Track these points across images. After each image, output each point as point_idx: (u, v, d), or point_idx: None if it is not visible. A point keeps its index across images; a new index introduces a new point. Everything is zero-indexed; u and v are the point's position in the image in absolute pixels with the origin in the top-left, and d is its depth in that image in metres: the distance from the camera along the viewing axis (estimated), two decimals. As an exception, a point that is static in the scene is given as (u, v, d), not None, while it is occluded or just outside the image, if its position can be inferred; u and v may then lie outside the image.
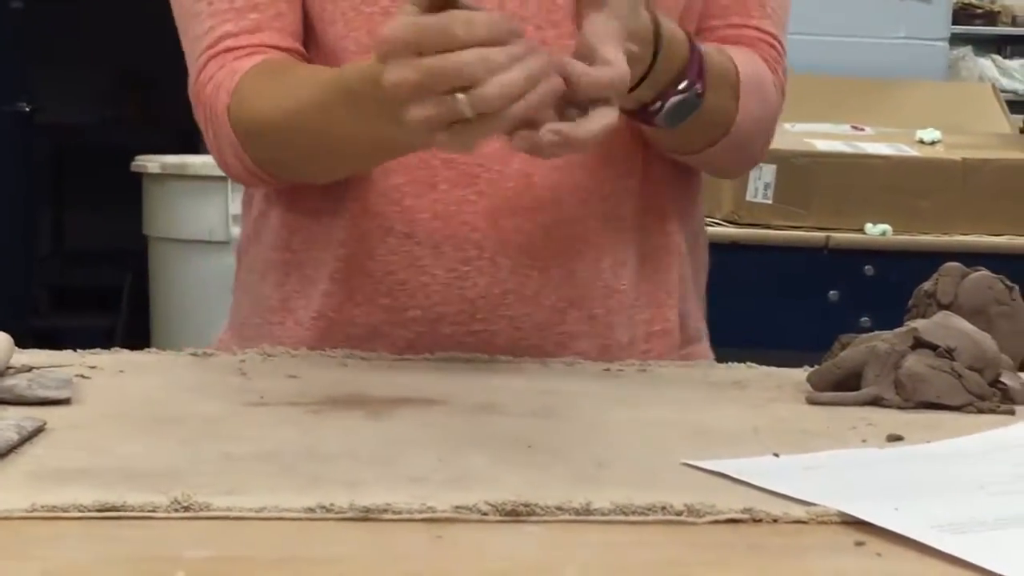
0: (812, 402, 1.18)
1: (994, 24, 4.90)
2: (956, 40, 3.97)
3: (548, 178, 1.31)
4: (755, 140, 1.39)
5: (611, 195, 1.34)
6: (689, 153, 1.36)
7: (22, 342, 1.23)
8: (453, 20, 0.97)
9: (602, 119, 1.03)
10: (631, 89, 1.17)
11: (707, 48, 1.28)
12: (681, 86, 1.24)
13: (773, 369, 1.32)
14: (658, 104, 1.24)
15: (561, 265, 1.32)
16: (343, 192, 1.33)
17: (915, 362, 1.16)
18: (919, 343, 1.18)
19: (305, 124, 1.22)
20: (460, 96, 0.96)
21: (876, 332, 1.22)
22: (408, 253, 1.32)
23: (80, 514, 0.81)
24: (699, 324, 1.48)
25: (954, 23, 3.66)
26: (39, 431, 0.99)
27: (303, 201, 1.37)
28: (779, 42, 1.41)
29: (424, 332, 1.32)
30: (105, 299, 6.03)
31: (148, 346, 1.38)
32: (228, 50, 1.31)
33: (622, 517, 0.84)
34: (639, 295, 1.37)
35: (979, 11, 4.81)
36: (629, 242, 1.36)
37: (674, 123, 1.25)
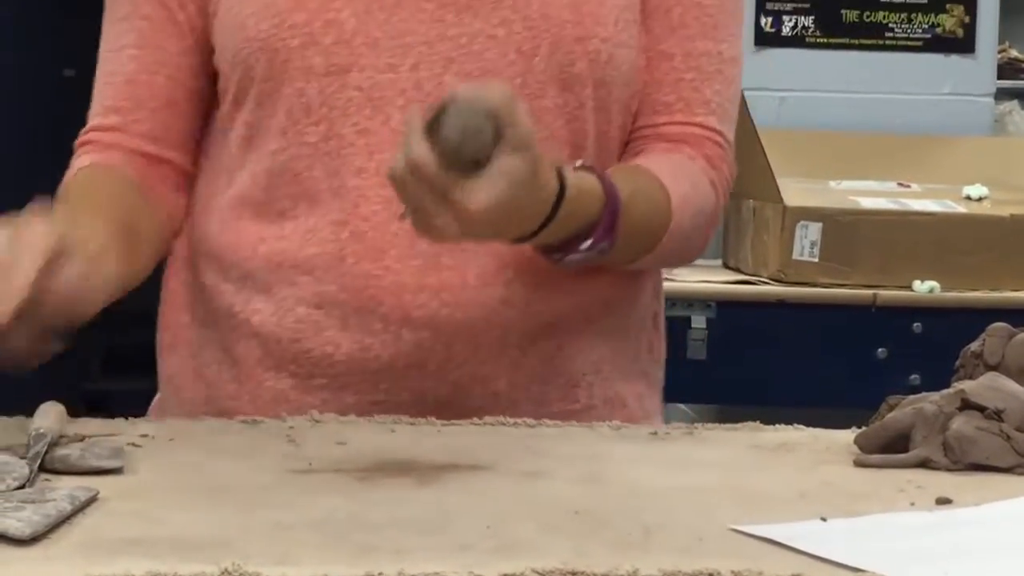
0: (860, 464, 1.17)
1: (1040, 78, 4.89)
2: (1002, 95, 3.95)
3: (456, 260, 1.33)
4: (687, 249, 1.42)
5: (519, 283, 1.35)
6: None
7: (74, 407, 1.25)
8: None
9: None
10: (524, 240, 1.23)
11: (631, 184, 1.30)
12: (583, 246, 1.27)
13: (820, 431, 1.32)
14: (559, 254, 1.28)
15: (465, 340, 1.33)
16: None
17: (963, 424, 1.16)
18: (967, 404, 1.17)
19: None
20: None
21: (923, 394, 1.21)
22: (316, 323, 1.34)
23: (132, 585, 0.82)
24: (638, 403, 1.44)
25: (1000, 78, 3.65)
26: (92, 501, 1.00)
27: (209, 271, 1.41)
28: (724, 138, 1.42)
29: (329, 399, 1.33)
30: (156, 360, 6.05)
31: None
32: (88, 142, 1.42)
33: (670, 584, 0.84)
34: (548, 375, 1.37)
35: (1025, 65, 4.80)
36: (538, 324, 1.36)
37: (576, 267, 1.30)
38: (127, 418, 1.31)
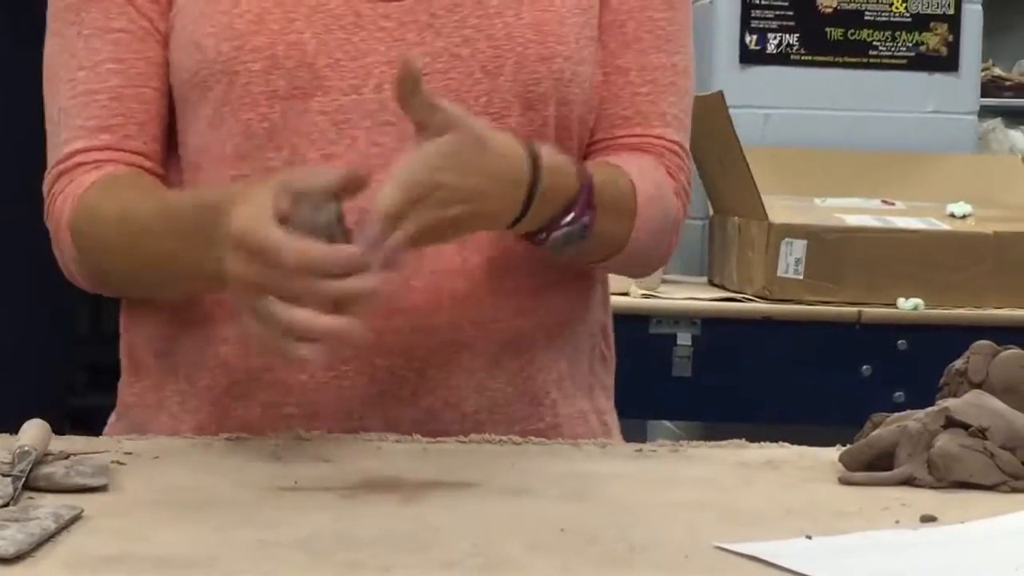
0: (845, 482, 1.18)
1: (1023, 95, 4.91)
2: (985, 112, 3.97)
3: (427, 283, 1.32)
4: (654, 250, 1.42)
5: (488, 302, 1.34)
6: (584, 265, 1.38)
7: (60, 423, 1.24)
8: (288, 250, 1.08)
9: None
10: (509, 226, 1.24)
11: (602, 174, 1.31)
12: (565, 220, 1.28)
13: (806, 449, 1.32)
14: (543, 234, 1.28)
15: (437, 367, 1.32)
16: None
17: (948, 441, 1.16)
18: (951, 422, 1.18)
19: (139, 243, 1.28)
20: (277, 311, 1.09)
21: (908, 411, 1.22)
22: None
23: (117, 603, 0.82)
24: (598, 418, 1.44)
25: (983, 95, 3.66)
26: (76, 519, 0.99)
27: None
28: (682, 148, 1.43)
29: (301, 428, 1.31)
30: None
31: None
32: (78, 165, 1.35)
33: (655, 602, 0.84)
34: (514, 394, 1.37)
35: (1008, 83, 4.82)
36: (504, 343, 1.36)
37: (561, 251, 1.30)
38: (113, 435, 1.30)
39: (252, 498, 1.09)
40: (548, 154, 1.25)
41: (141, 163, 1.36)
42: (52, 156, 1.38)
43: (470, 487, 1.13)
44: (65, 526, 0.97)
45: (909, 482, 1.16)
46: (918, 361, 2.69)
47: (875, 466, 1.19)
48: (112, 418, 1.44)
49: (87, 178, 1.34)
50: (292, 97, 1.31)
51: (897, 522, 1.04)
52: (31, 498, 1.06)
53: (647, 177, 1.38)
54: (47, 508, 0.99)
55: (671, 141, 1.42)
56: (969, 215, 2.92)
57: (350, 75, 1.31)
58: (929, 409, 1.20)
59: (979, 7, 3.42)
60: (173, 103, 1.37)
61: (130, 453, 1.23)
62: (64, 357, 5.55)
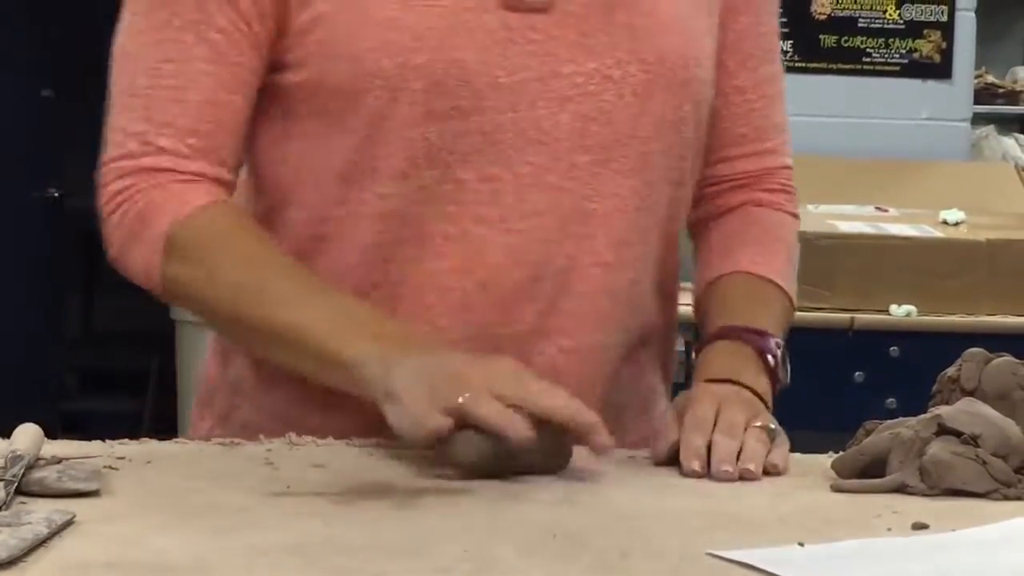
0: (837, 489, 1.18)
1: (1016, 103, 4.91)
2: (979, 120, 3.97)
3: (572, 302, 1.33)
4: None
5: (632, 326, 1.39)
6: None
7: (51, 426, 1.24)
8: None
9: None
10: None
11: (749, 310, 1.39)
12: (777, 368, 1.36)
13: (798, 455, 1.32)
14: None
15: (575, 385, 1.28)
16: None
17: (940, 449, 1.16)
18: (943, 430, 1.18)
19: (263, 308, 1.26)
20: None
21: (900, 419, 1.22)
22: None
23: (108, 608, 0.82)
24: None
25: (976, 103, 3.67)
26: (68, 524, 0.99)
27: None
28: (788, 153, 1.49)
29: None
30: (133, 382, 6.04)
31: (175, 428, 1.38)
32: (165, 170, 1.30)
33: (647, 609, 0.84)
34: (625, 400, 1.40)
35: (1001, 91, 4.82)
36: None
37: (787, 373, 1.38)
38: (104, 440, 1.30)
39: (244, 503, 1.09)
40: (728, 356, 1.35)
41: (221, 175, 1.31)
42: (123, 141, 1.31)
43: (462, 492, 1.13)
44: (57, 531, 0.97)
45: (901, 489, 1.16)
46: (910, 368, 2.68)
47: (867, 473, 1.19)
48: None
49: (188, 195, 1.30)
50: (451, 117, 1.29)
51: (889, 530, 1.04)
52: (23, 503, 1.06)
53: (773, 246, 1.45)
54: (39, 513, 0.99)
55: (782, 152, 1.48)
56: (962, 222, 2.92)
57: (507, 93, 1.30)
58: (921, 416, 1.20)
59: (972, 15, 3.43)
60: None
61: (122, 458, 1.23)
62: (55, 360, 5.55)
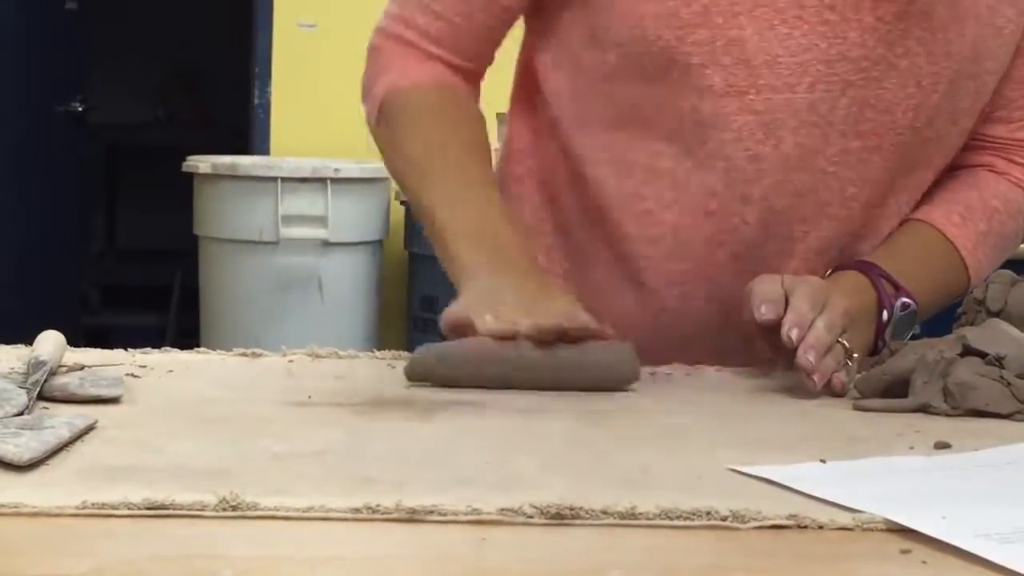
0: (860, 409, 1.17)
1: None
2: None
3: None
4: (1010, 252, 1.45)
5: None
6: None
7: (74, 340, 1.25)
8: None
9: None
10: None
11: (899, 257, 1.36)
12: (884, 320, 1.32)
13: (821, 375, 1.31)
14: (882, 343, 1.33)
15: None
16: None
17: (964, 370, 1.16)
18: (968, 351, 1.17)
19: (415, 190, 1.38)
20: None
21: (925, 339, 1.21)
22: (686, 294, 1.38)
23: (129, 512, 0.82)
24: None
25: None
26: (90, 429, 1.00)
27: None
28: None
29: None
30: (156, 297, 6.08)
31: (198, 344, 1.39)
32: (408, 43, 1.41)
33: (667, 522, 0.84)
34: None
35: None
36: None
37: (904, 334, 1.34)
38: (126, 348, 1.30)
39: (265, 412, 1.09)
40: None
41: (466, 66, 1.42)
42: (398, 10, 1.43)
43: (484, 406, 1.13)
44: (79, 436, 0.97)
45: (924, 409, 1.15)
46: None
47: (890, 393, 1.18)
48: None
49: (413, 71, 1.41)
50: (726, 94, 1.30)
51: (911, 448, 1.04)
52: (46, 408, 1.06)
53: (975, 218, 1.40)
54: (61, 418, 0.99)
55: None
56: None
57: (786, 72, 1.29)
58: (946, 337, 1.20)
59: None
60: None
61: (144, 366, 1.23)
62: (78, 274, 5.57)
